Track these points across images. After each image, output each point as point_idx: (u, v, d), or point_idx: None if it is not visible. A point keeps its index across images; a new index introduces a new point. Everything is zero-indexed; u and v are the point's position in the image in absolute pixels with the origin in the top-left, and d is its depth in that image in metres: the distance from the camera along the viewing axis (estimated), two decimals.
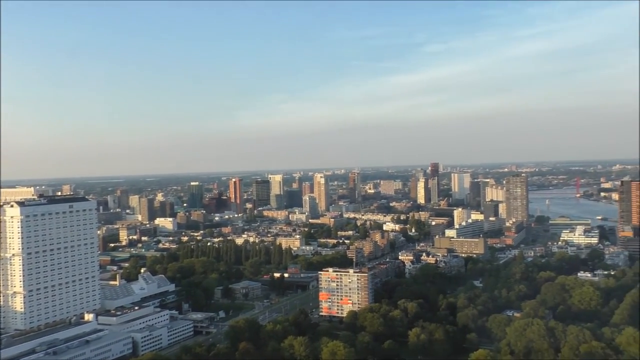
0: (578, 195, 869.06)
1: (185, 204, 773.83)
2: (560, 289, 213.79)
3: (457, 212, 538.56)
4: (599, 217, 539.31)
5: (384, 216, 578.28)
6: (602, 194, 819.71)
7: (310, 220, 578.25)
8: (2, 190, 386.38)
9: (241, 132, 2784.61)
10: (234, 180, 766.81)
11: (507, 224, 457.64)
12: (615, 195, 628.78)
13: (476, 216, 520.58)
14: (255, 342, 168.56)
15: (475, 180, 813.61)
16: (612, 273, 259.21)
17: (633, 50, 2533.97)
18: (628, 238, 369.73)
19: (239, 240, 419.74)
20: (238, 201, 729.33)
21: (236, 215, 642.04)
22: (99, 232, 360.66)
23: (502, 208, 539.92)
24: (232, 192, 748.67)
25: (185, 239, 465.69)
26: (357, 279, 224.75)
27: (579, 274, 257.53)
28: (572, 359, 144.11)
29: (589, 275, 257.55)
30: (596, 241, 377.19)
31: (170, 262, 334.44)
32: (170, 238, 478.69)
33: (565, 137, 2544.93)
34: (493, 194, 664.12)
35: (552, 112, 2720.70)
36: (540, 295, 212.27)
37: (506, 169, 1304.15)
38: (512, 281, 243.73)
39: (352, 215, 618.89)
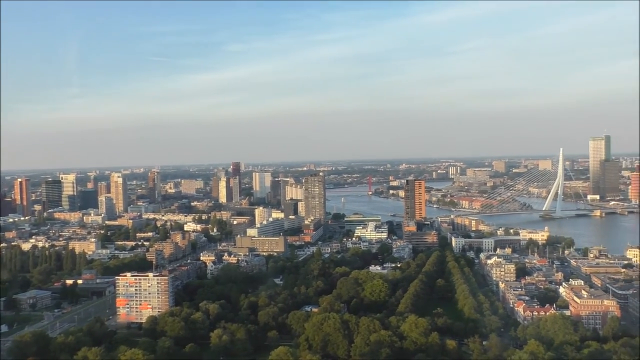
0: (370, 192, 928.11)
1: None
2: (354, 283, 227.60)
3: (258, 211, 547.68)
4: (391, 214, 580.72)
5: (185, 216, 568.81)
6: (391, 191, 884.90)
7: (106, 222, 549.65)
8: None
9: (26, 127, 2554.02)
10: (19, 180, 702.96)
11: (306, 222, 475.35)
12: (401, 193, 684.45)
13: (277, 215, 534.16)
14: (44, 357, 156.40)
15: (276, 179, 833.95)
16: (399, 265, 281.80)
17: (418, 60, 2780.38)
18: (412, 232, 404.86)
19: (26, 246, 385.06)
20: (25, 203, 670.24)
21: (22, 219, 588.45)
22: None
23: (301, 206, 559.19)
24: (18, 193, 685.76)
25: None
26: (157, 283, 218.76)
27: (370, 267, 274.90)
28: (363, 348, 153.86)
29: (379, 268, 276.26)
30: (385, 236, 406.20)
31: None
32: None
33: (359, 137, 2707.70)
34: (293, 192, 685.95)
35: (347, 114, 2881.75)
36: (336, 289, 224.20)
37: (305, 168, 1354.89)
38: (310, 277, 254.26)
39: (152, 215, 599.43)
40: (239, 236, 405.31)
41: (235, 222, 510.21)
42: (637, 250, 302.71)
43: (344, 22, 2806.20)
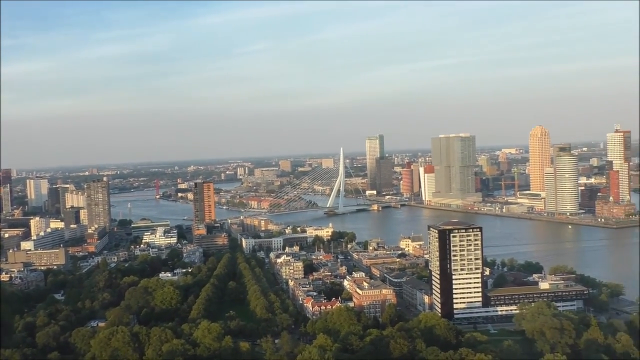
0: (158, 196, 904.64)
1: None
2: (144, 292, 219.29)
3: (34, 222, 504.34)
4: (184, 218, 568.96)
5: None
6: (179, 194, 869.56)
7: None
8: None
9: None
10: None
11: (89, 231, 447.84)
12: (190, 196, 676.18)
13: (56, 224, 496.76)
14: None
15: (54, 186, 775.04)
16: (190, 270, 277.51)
17: (204, 61, 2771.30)
18: (202, 235, 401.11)
19: None
20: None
21: None
22: None
23: (83, 214, 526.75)
24: None
25: None
26: None
27: (160, 274, 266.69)
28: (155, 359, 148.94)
29: (169, 275, 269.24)
30: (175, 241, 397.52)
31: None
32: None
33: (145, 139, 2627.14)
34: (73, 199, 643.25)
35: (132, 115, 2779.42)
36: (124, 300, 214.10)
37: (87, 173, 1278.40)
38: (95, 290, 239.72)
39: None
40: (11, 250, 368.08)
41: (6, 235, 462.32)
42: (409, 240, 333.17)
43: (125, 20, 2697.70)
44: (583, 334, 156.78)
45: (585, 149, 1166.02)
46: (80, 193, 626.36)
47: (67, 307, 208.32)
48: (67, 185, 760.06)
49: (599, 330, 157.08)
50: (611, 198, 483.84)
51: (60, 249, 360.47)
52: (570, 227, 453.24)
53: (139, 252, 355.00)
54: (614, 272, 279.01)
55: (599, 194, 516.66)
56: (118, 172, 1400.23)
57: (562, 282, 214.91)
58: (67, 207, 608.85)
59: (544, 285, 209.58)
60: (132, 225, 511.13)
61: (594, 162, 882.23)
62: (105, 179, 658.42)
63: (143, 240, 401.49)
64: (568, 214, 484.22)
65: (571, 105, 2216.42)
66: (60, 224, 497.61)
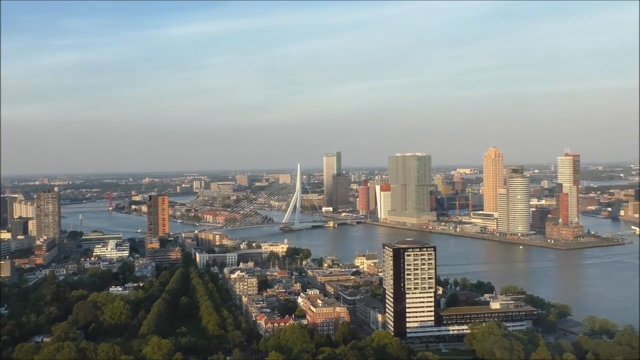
0: (111, 208, 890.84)
1: None
2: (92, 307, 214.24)
3: None
4: (139, 230, 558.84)
5: None
6: (133, 206, 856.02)
7: None
8: None
9: None
10: None
11: (38, 242, 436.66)
12: (144, 208, 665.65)
13: (2, 235, 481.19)
14: None
15: (2, 195, 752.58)
16: (141, 285, 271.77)
17: (163, 72, 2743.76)
18: (155, 249, 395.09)
19: None
20: None
21: None
22: None
23: (32, 225, 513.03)
24: None
25: None
26: None
27: (110, 288, 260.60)
28: None
29: (120, 289, 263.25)
30: (127, 254, 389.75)
31: None
32: None
33: (98, 149, 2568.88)
34: (22, 210, 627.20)
35: (87, 124, 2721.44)
36: (72, 315, 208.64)
37: (37, 182, 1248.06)
38: (42, 304, 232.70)
39: None
40: None
41: None
42: (364, 258, 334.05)
43: (83, 29, 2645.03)
44: (531, 354, 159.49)
45: (537, 171, 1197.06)
46: (29, 203, 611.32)
47: (11, 322, 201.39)
48: (16, 195, 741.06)
49: (547, 351, 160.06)
50: (560, 220, 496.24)
51: (6, 260, 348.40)
52: (521, 247, 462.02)
53: (89, 265, 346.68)
54: (562, 293, 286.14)
55: (549, 215, 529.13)
56: (70, 183, 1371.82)
57: (513, 302, 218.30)
58: (14, 217, 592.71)
59: (494, 305, 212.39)
60: (83, 237, 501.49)
61: (545, 184, 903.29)
62: (56, 189, 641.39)
63: (94, 253, 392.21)
64: (519, 234, 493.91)
65: (524, 128, 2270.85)
66: (6, 235, 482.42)
